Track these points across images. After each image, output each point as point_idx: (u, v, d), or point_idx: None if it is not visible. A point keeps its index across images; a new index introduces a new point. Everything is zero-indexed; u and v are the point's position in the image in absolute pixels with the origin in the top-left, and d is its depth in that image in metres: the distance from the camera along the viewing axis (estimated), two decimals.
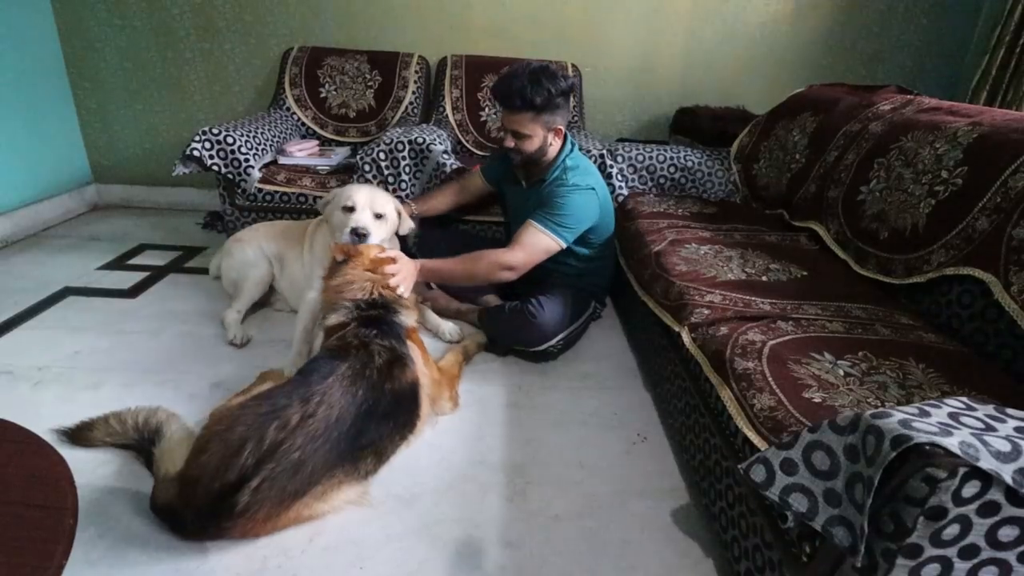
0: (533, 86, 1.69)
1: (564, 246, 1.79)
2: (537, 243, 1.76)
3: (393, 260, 1.60)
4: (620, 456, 1.49)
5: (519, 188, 2.01)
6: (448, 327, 1.99)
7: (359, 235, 1.70)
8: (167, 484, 1.15)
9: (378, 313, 1.45)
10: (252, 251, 2.01)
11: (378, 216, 1.77)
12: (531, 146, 1.79)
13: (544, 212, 1.77)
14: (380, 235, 1.77)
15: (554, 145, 1.84)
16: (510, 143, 1.81)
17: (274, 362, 1.78)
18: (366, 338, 1.36)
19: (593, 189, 1.83)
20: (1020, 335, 1.17)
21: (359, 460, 1.26)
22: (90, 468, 1.31)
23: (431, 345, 1.91)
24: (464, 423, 1.58)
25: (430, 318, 2.03)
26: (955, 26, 2.93)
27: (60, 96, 2.93)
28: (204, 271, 2.39)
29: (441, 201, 2.17)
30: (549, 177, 1.85)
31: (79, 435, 1.37)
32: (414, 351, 1.45)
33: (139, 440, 1.30)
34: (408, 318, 1.51)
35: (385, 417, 1.30)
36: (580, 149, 2.01)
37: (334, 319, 1.45)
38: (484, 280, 1.82)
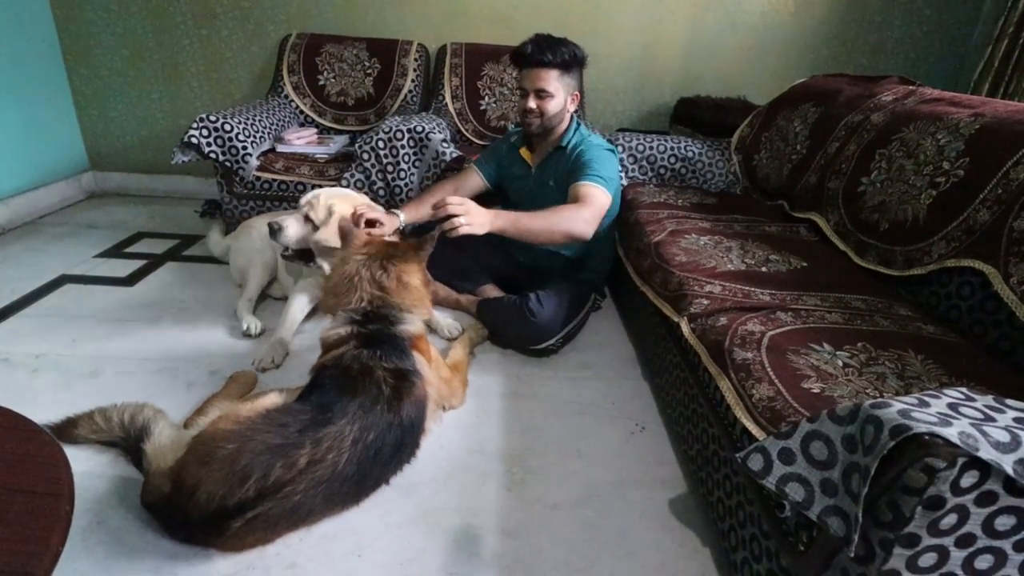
0: (558, 44, 1.77)
1: (609, 200, 1.76)
2: (596, 196, 1.71)
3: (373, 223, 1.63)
4: (618, 446, 1.49)
5: (527, 172, 1.99)
6: (447, 323, 1.96)
7: (271, 228, 1.70)
8: (158, 479, 1.12)
9: (378, 328, 1.34)
10: (259, 238, 1.99)
11: (307, 219, 1.71)
12: (553, 107, 1.81)
13: (586, 170, 1.74)
14: (295, 234, 1.71)
15: (569, 112, 1.88)
16: (532, 104, 1.81)
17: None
18: (368, 362, 1.26)
19: (613, 151, 1.88)
20: (1019, 326, 1.17)
21: (361, 498, 1.24)
22: (87, 455, 1.31)
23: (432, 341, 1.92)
24: (463, 412, 1.58)
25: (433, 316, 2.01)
26: (958, 17, 2.91)
27: (56, 82, 2.91)
28: (202, 259, 2.39)
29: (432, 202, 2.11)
30: (568, 143, 1.86)
31: (63, 431, 1.32)
32: (421, 363, 1.37)
33: (125, 438, 1.26)
34: (413, 325, 1.40)
35: (393, 455, 1.24)
36: None
37: (332, 332, 1.36)
38: (561, 236, 1.66)
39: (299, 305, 1.85)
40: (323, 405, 1.17)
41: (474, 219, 1.47)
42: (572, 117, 1.91)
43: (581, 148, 1.83)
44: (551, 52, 1.75)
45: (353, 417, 1.16)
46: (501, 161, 2.08)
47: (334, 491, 1.13)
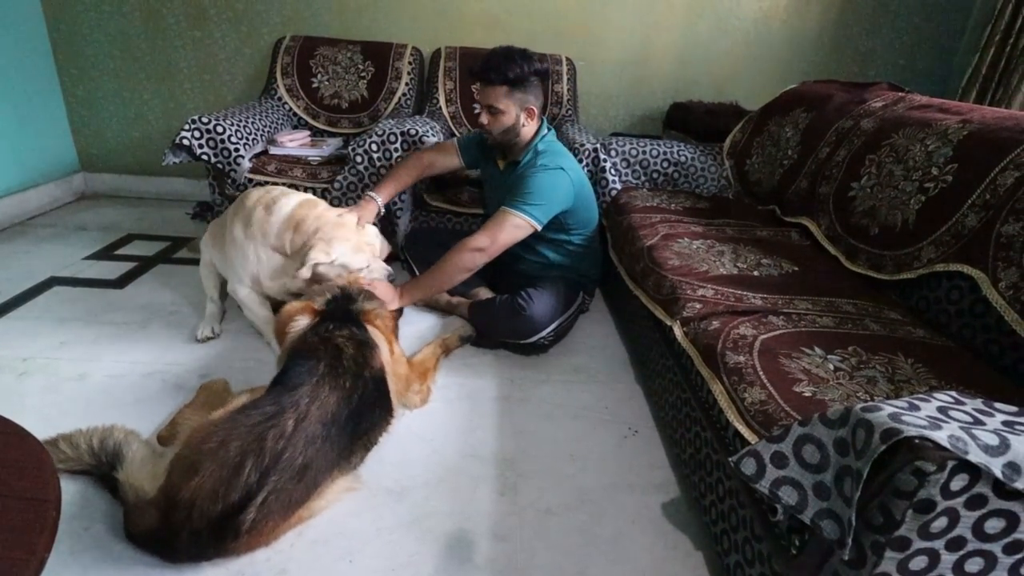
0: (508, 62, 1.76)
1: (536, 225, 1.78)
2: (503, 222, 1.77)
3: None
4: (611, 450, 1.49)
5: (496, 171, 2.02)
6: (460, 323, 2.00)
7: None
8: (144, 509, 1.08)
9: (337, 305, 1.43)
10: (201, 246, 1.99)
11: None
12: (505, 122, 1.82)
13: (512, 196, 1.79)
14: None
15: (527, 127, 1.87)
16: (485, 119, 1.84)
17: (264, 354, 1.77)
18: (325, 333, 1.32)
19: (562, 169, 1.83)
20: (1007, 330, 1.18)
21: (353, 454, 1.26)
22: None
23: (423, 335, 1.92)
24: (455, 416, 1.57)
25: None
26: (946, 25, 2.95)
27: (47, 83, 2.88)
28: (193, 262, 2.37)
29: (406, 176, 2.07)
30: (522, 160, 1.88)
31: None
32: (378, 337, 1.42)
33: (96, 465, 1.17)
34: (369, 303, 1.48)
35: (373, 405, 1.29)
36: (569, 141, 2.02)
37: (295, 329, 1.40)
38: (463, 271, 1.79)
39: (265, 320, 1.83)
40: (289, 377, 1.20)
41: (383, 297, 1.65)
42: (542, 128, 1.89)
43: (523, 171, 1.84)
44: (496, 71, 1.76)
45: (322, 373, 1.20)
46: (479, 151, 2.09)
47: (331, 444, 1.15)
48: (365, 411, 1.26)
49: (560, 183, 1.82)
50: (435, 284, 1.83)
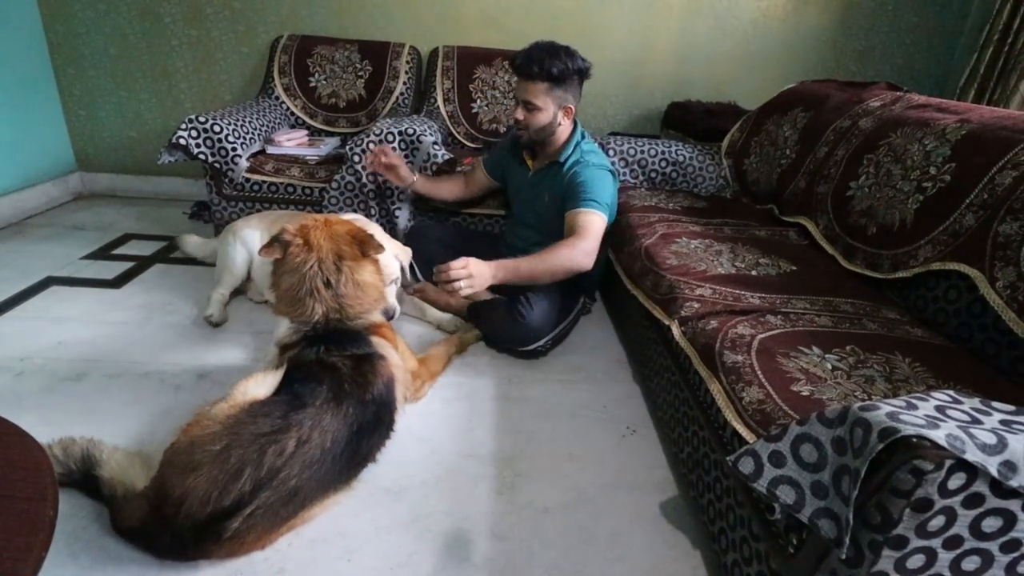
0: (551, 57, 1.73)
1: (606, 223, 1.77)
2: (593, 224, 1.73)
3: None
4: (609, 449, 1.49)
5: (523, 171, 2.01)
6: (448, 319, 2.00)
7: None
8: (131, 502, 1.07)
9: (331, 328, 1.35)
10: (236, 239, 1.99)
11: None
12: (541, 119, 1.80)
13: (581, 195, 1.75)
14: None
15: (563, 125, 1.86)
16: (520, 115, 1.81)
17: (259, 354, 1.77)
18: (324, 356, 1.28)
19: (611, 173, 1.87)
20: (1004, 330, 1.18)
21: (352, 477, 1.26)
22: None
23: (428, 336, 1.91)
24: (454, 416, 1.57)
25: (428, 311, 2.03)
26: (944, 24, 2.95)
27: (43, 82, 2.87)
28: (190, 262, 2.36)
29: (448, 189, 2.18)
30: (566, 159, 1.86)
31: None
32: (384, 346, 1.38)
33: (66, 473, 1.14)
34: (369, 319, 1.41)
35: (373, 428, 1.27)
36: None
37: (287, 338, 1.36)
38: (566, 271, 1.70)
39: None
40: (296, 393, 1.19)
41: (475, 281, 1.55)
42: (575, 129, 1.90)
43: (576, 169, 1.82)
44: (539, 65, 1.72)
45: (326, 399, 1.19)
46: (504, 159, 2.11)
47: (327, 470, 1.15)
48: (365, 437, 1.24)
49: (610, 186, 1.84)
50: (534, 274, 1.67)
